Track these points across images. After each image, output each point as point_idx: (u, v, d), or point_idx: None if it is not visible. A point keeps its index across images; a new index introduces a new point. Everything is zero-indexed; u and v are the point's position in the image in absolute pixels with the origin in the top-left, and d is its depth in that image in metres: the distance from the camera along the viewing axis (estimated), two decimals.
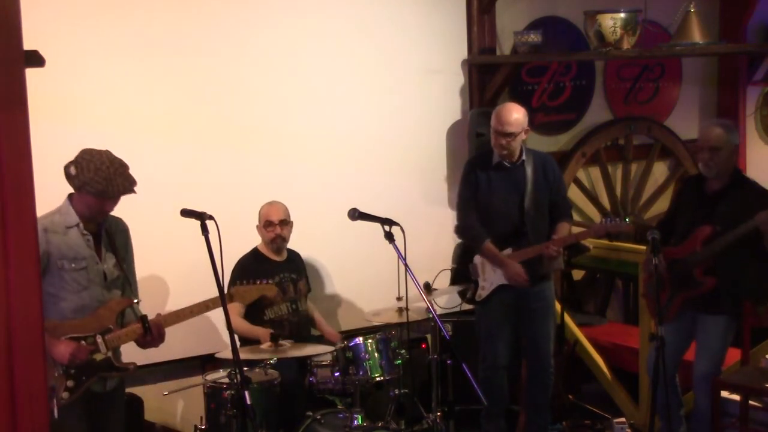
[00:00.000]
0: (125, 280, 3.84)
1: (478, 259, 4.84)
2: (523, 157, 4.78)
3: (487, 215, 4.81)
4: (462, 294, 4.97)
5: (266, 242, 4.93)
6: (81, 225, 3.69)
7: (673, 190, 6.67)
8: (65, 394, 3.58)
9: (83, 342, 3.62)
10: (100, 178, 3.58)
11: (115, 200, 3.70)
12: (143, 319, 3.73)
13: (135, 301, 3.85)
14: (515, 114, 4.69)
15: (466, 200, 4.89)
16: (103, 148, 3.69)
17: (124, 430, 3.99)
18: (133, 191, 3.69)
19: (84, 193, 3.64)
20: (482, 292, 4.83)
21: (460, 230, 5.00)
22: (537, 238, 4.76)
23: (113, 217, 3.85)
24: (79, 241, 3.68)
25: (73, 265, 3.63)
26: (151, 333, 3.73)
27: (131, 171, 3.72)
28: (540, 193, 4.79)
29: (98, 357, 3.67)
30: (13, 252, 1.77)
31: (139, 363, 4.77)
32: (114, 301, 3.75)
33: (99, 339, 3.66)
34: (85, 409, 3.72)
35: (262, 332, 4.65)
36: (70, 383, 3.59)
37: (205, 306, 3.86)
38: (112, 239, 3.81)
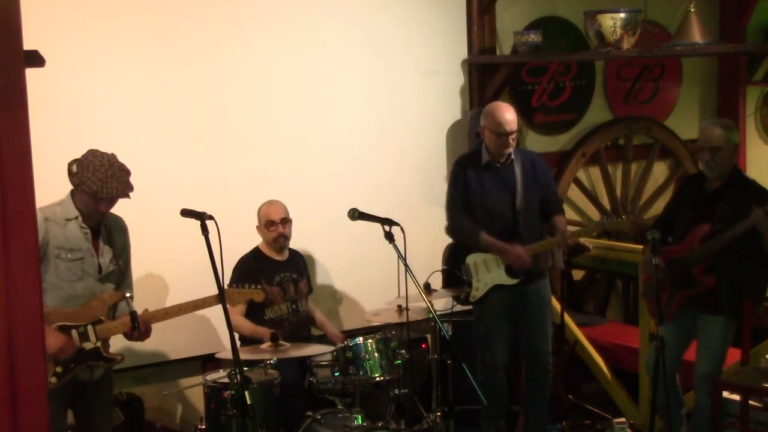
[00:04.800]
0: (120, 276, 3.93)
1: (470, 259, 4.82)
2: (512, 156, 4.79)
3: (479, 215, 4.79)
4: (455, 296, 4.95)
5: (269, 242, 4.93)
6: (80, 218, 3.78)
7: (673, 189, 6.67)
8: (53, 380, 3.65)
9: (74, 331, 3.70)
10: (96, 179, 3.67)
11: (109, 202, 3.78)
12: (133, 314, 3.79)
13: (128, 295, 3.90)
14: (510, 112, 4.73)
15: (455, 199, 4.88)
16: (111, 152, 3.78)
17: (109, 419, 4.07)
18: (127, 196, 3.77)
19: (80, 191, 3.74)
20: (476, 293, 4.81)
21: (451, 230, 4.97)
22: (530, 236, 4.76)
23: (114, 215, 3.93)
24: (78, 233, 3.77)
25: (69, 255, 3.73)
26: (138, 329, 3.80)
27: (133, 174, 3.77)
28: (531, 191, 4.79)
29: (87, 346, 3.75)
30: (13, 251, 1.77)
31: (139, 363, 4.81)
32: (107, 293, 3.83)
33: (90, 328, 3.74)
34: (69, 398, 3.81)
35: (264, 332, 4.66)
36: (59, 369, 3.67)
37: (194, 305, 3.97)
38: (111, 235, 3.89)
